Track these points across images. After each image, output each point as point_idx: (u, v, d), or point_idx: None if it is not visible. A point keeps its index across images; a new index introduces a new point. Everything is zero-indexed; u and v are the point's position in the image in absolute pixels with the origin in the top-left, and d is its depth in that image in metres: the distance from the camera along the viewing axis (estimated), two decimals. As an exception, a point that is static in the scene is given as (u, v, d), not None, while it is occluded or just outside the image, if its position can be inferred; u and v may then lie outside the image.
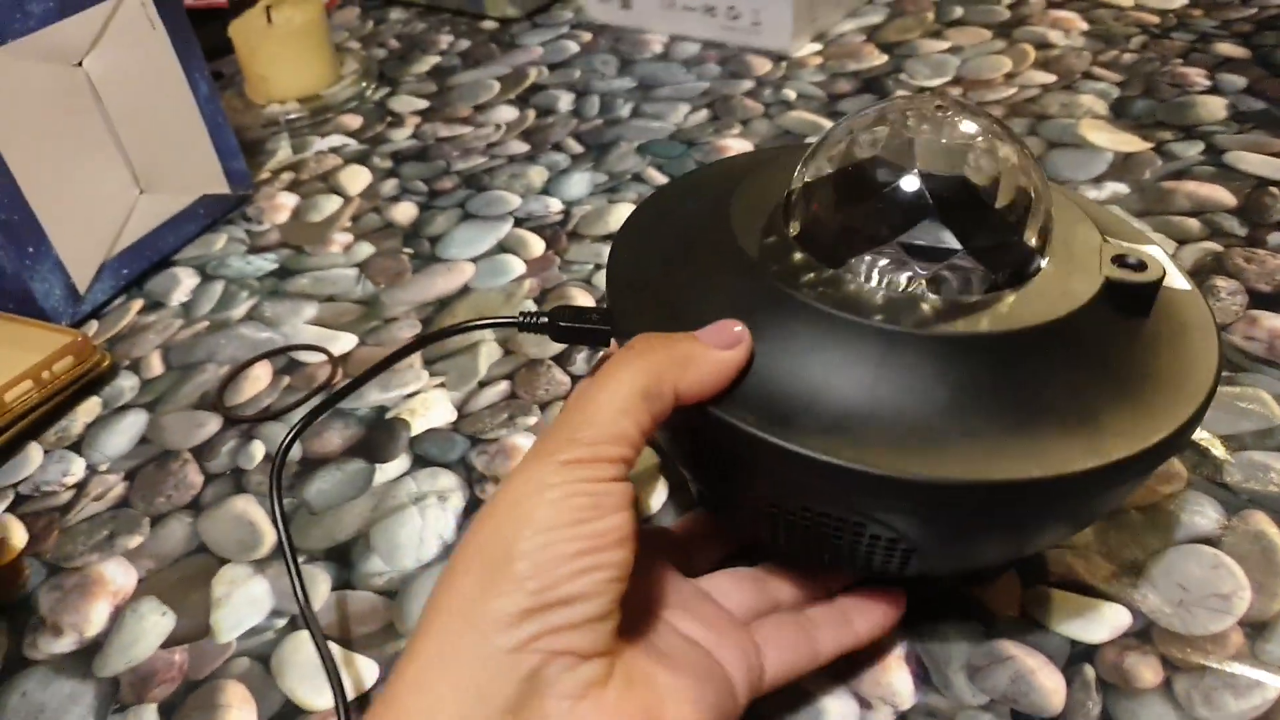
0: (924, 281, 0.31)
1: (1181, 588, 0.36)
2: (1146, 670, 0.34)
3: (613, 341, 0.37)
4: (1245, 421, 0.42)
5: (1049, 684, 0.34)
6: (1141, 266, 0.32)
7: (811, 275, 0.32)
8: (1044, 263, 0.32)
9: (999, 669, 0.35)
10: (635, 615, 0.31)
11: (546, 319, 0.37)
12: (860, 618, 0.34)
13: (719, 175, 0.40)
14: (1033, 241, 0.32)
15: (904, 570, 0.32)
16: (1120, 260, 0.32)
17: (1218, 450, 0.41)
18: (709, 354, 0.30)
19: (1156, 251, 0.35)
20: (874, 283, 0.31)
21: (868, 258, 0.32)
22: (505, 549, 0.27)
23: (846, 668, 0.35)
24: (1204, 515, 0.39)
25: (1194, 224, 0.54)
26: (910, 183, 0.31)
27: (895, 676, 0.35)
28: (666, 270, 0.35)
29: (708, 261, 0.34)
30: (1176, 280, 0.34)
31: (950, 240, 0.31)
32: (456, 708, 0.26)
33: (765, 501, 0.31)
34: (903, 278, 0.31)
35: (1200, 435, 0.42)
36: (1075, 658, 0.35)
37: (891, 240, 0.31)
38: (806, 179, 0.34)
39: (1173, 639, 0.35)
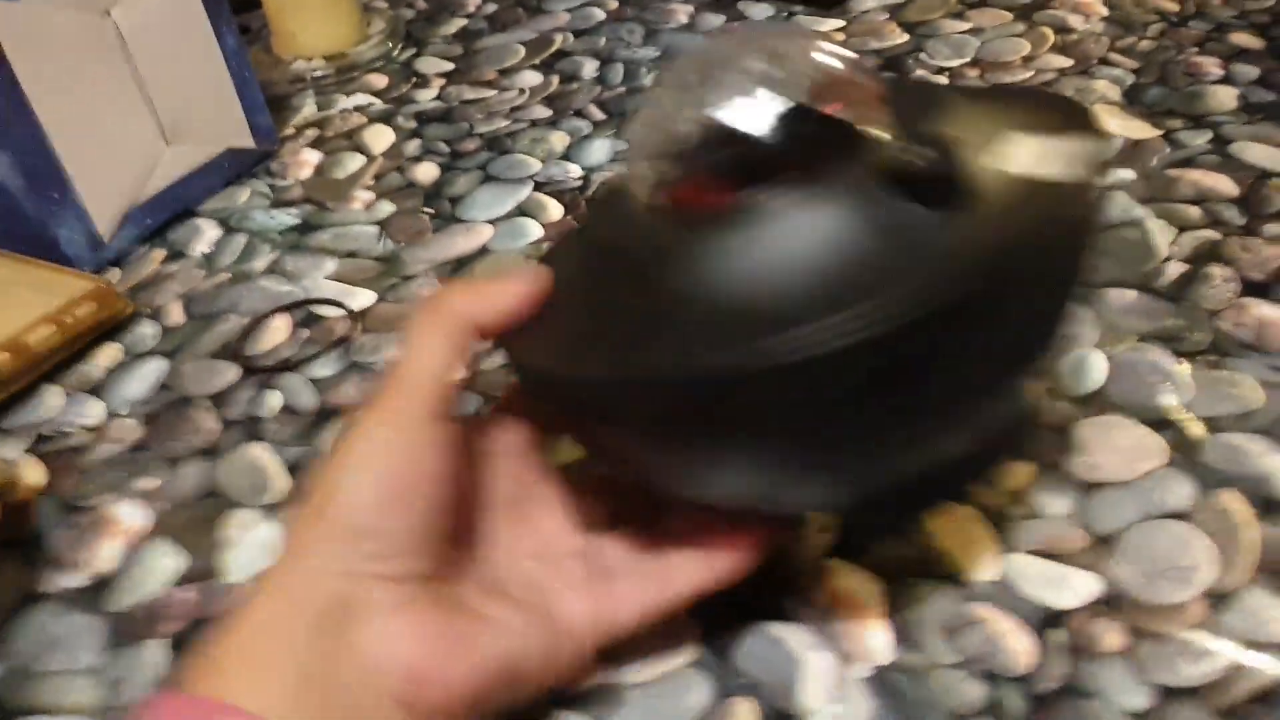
0: None
1: (1150, 559, 0.38)
2: (1111, 636, 0.35)
3: None
4: (1226, 404, 0.43)
5: (1019, 646, 0.35)
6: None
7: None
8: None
9: (972, 631, 0.36)
10: (480, 548, 0.35)
11: None
12: (718, 558, 0.35)
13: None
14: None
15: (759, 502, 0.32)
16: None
17: (1197, 430, 0.42)
18: (496, 285, 0.33)
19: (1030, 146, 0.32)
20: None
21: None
22: (326, 489, 0.31)
23: (828, 625, 0.37)
24: (1178, 492, 0.40)
25: (1195, 212, 0.55)
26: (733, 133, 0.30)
27: (874, 634, 0.36)
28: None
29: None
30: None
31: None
32: (273, 616, 0.30)
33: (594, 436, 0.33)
34: None
35: (1182, 415, 0.43)
36: (1046, 622, 0.36)
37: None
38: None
39: (1137, 607, 0.36)
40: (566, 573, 0.34)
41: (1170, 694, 0.34)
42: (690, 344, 0.28)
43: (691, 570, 0.34)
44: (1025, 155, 0.30)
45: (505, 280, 0.33)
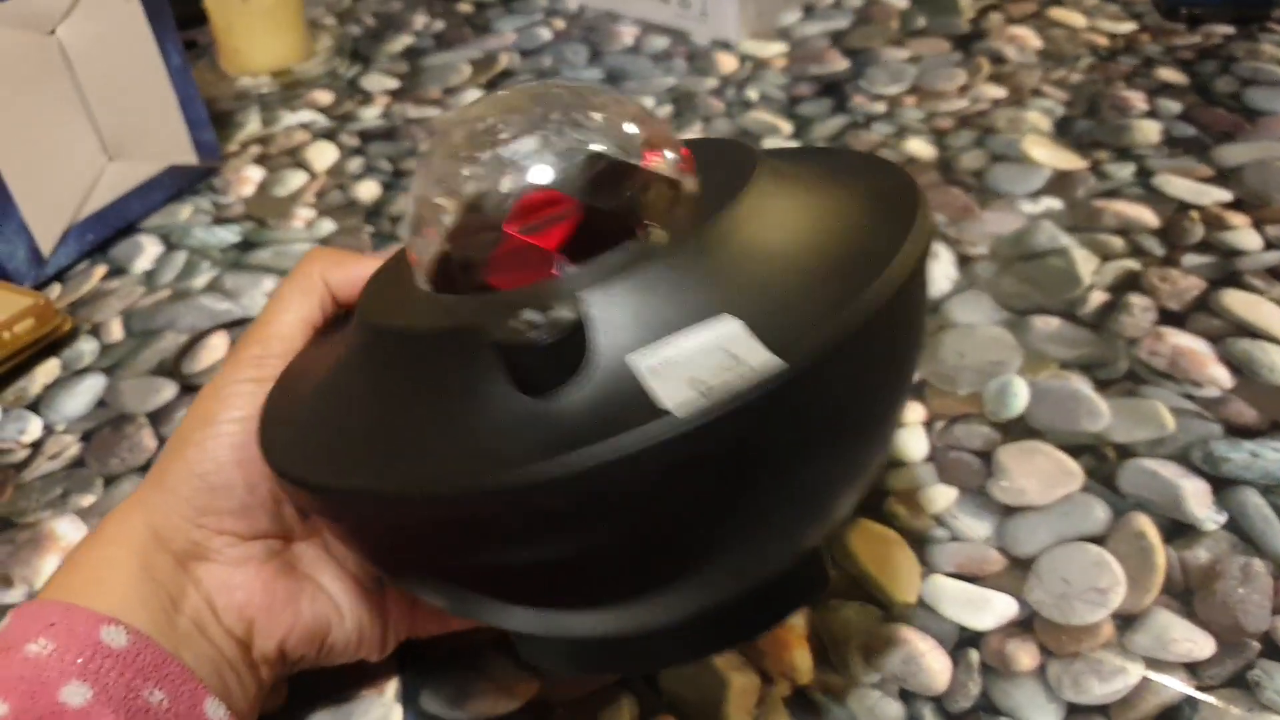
0: None
1: (1065, 581, 0.39)
2: (1025, 656, 0.37)
3: None
4: (1140, 430, 0.45)
5: (936, 666, 0.37)
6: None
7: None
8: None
9: (892, 651, 0.37)
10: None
11: None
12: None
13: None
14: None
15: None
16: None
17: (1111, 455, 0.44)
18: (357, 257, 0.35)
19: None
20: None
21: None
22: (181, 440, 0.32)
23: (751, 646, 0.38)
24: (1093, 516, 0.42)
25: (1118, 242, 0.57)
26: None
27: (796, 654, 0.37)
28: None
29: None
30: None
31: None
32: (129, 539, 0.31)
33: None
34: None
35: (1099, 441, 0.45)
36: (963, 643, 0.37)
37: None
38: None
39: (1051, 628, 0.38)
40: None
41: (1079, 711, 0.35)
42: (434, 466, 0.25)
43: None
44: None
45: (366, 256, 0.35)
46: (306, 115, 0.76)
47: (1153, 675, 0.36)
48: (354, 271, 0.34)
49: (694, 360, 0.24)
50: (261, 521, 0.33)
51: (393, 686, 0.37)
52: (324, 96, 0.78)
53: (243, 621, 0.32)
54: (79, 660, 0.28)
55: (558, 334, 0.24)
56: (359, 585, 0.35)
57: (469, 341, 0.26)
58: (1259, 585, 0.39)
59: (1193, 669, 0.36)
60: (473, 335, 0.26)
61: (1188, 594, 0.39)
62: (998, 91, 0.73)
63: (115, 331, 0.55)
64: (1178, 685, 0.35)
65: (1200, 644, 0.37)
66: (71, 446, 0.48)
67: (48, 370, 0.53)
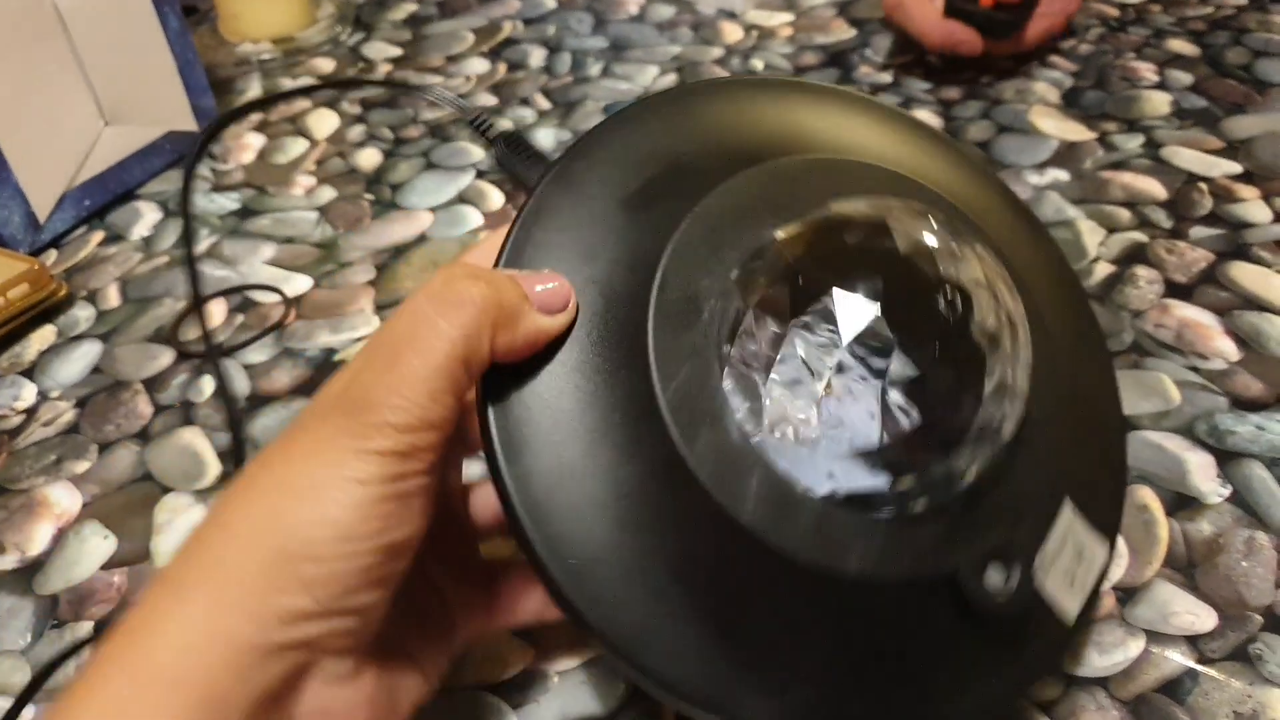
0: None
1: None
2: (1024, 628, 0.36)
3: (484, 237, 0.32)
4: (1145, 403, 0.45)
5: (934, 637, 0.36)
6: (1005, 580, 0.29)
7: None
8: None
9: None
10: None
11: (494, 135, 0.33)
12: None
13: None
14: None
15: None
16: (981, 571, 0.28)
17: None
18: (533, 319, 0.27)
19: None
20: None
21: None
22: (296, 542, 0.24)
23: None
24: (1095, 489, 0.41)
25: (1125, 214, 0.56)
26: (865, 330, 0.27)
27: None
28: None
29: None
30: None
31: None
32: (209, 688, 0.23)
33: None
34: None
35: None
36: (962, 614, 0.37)
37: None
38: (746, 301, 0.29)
39: (1051, 601, 0.37)
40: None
41: (1079, 684, 0.35)
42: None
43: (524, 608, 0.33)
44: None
45: (544, 311, 0.27)
46: (307, 82, 0.75)
47: (1154, 648, 0.35)
48: (530, 339, 0.27)
49: (1060, 558, 0.30)
50: (371, 634, 0.26)
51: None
52: (325, 64, 0.78)
53: None
54: None
55: (1020, 606, 0.28)
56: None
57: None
58: (1262, 558, 0.38)
59: (1194, 642, 0.36)
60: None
61: (1190, 567, 0.38)
62: (1004, 62, 0.72)
63: (112, 298, 0.55)
64: (1179, 658, 0.35)
65: (1202, 617, 0.36)
66: (66, 413, 0.48)
67: (43, 336, 0.53)
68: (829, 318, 0.27)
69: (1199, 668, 0.35)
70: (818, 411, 0.27)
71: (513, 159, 0.35)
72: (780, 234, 0.29)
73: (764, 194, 0.31)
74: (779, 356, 0.27)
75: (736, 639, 0.26)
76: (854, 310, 0.27)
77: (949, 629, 0.28)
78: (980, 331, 0.28)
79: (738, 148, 0.32)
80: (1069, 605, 0.30)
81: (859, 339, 0.27)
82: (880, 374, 0.27)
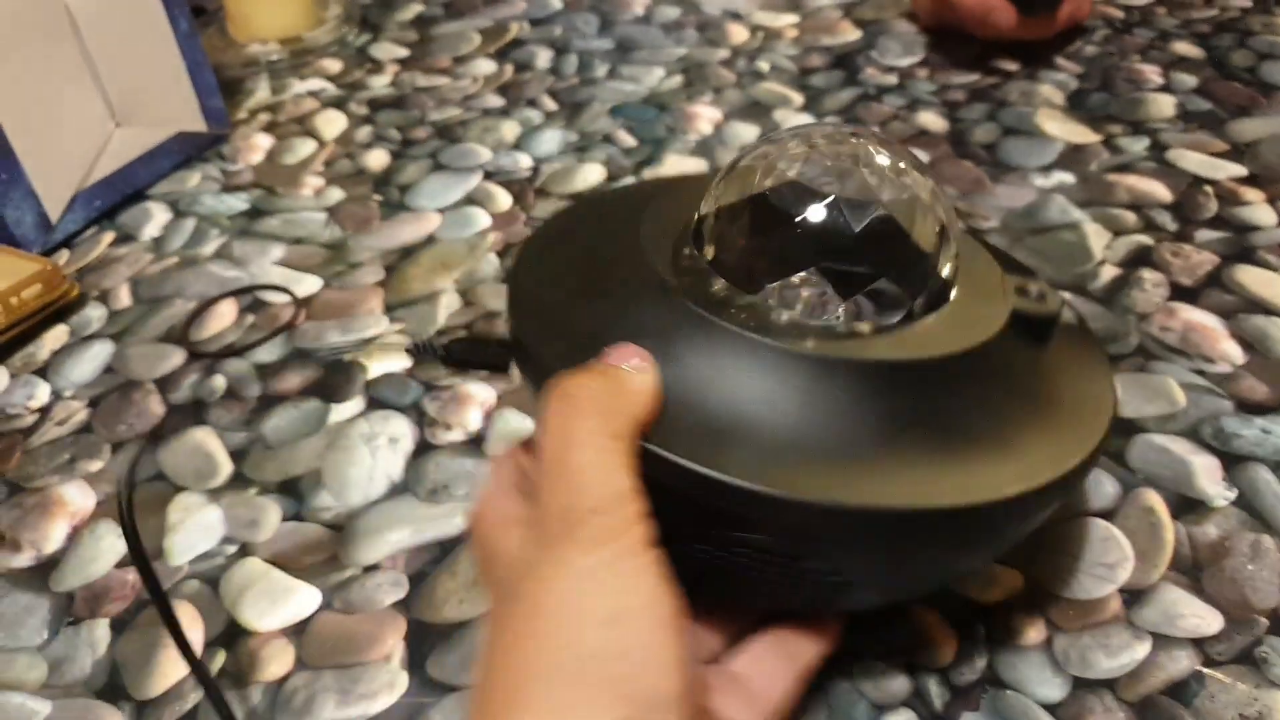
0: (842, 309, 0.31)
1: (1073, 556, 0.39)
2: (1031, 629, 0.37)
3: (513, 369, 0.36)
4: (1150, 406, 0.45)
5: (942, 638, 0.37)
6: (1042, 297, 0.34)
7: (730, 300, 0.32)
8: (954, 294, 0.33)
9: (900, 624, 0.37)
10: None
11: (441, 349, 0.36)
12: (800, 646, 0.33)
13: (624, 199, 0.40)
14: (945, 273, 0.33)
15: (831, 605, 0.33)
16: (1023, 291, 0.34)
17: (1121, 431, 0.44)
18: (638, 378, 0.29)
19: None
20: (793, 310, 0.31)
21: (785, 284, 0.32)
22: (586, 649, 0.24)
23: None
24: (1102, 491, 0.41)
25: (1130, 217, 0.56)
26: (828, 209, 0.31)
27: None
28: (573, 294, 0.34)
29: (619, 286, 0.33)
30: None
31: (867, 268, 0.31)
32: None
33: (692, 539, 0.30)
34: (822, 304, 0.31)
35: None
36: (970, 616, 0.37)
37: (809, 267, 0.31)
38: (720, 203, 0.34)
39: (1058, 602, 0.38)
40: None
41: (1085, 685, 0.35)
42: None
43: (778, 666, 0.32)
44: None
45: (637, 373, 0.29)
46: (315, 83, 0.75)
47: (1160, 650, 0.36)
48: (649, 398, 0.29)
49: None
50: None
51: (399, 653, 0.37)
52: (333, 65, 0.78)
53: None
54: None
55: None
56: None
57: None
58: (1268, 562, 0.39)
59: (1200, 644, 0.36)
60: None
61: (1196, 570, 0.38)
62: (1011, 64, 0.72)
63: (123, 298, 0.55)
64: (1185, 661, 0.35)
65: (1208, 620, 0.37)
66: (79, 412, 0.48)
67: (56, 336, 0.53)
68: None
69: (1205, 670, 0.35)
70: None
71: (474, 353, 0.35)
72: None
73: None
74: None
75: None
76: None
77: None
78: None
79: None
80: None
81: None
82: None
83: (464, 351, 0.36)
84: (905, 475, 0.28)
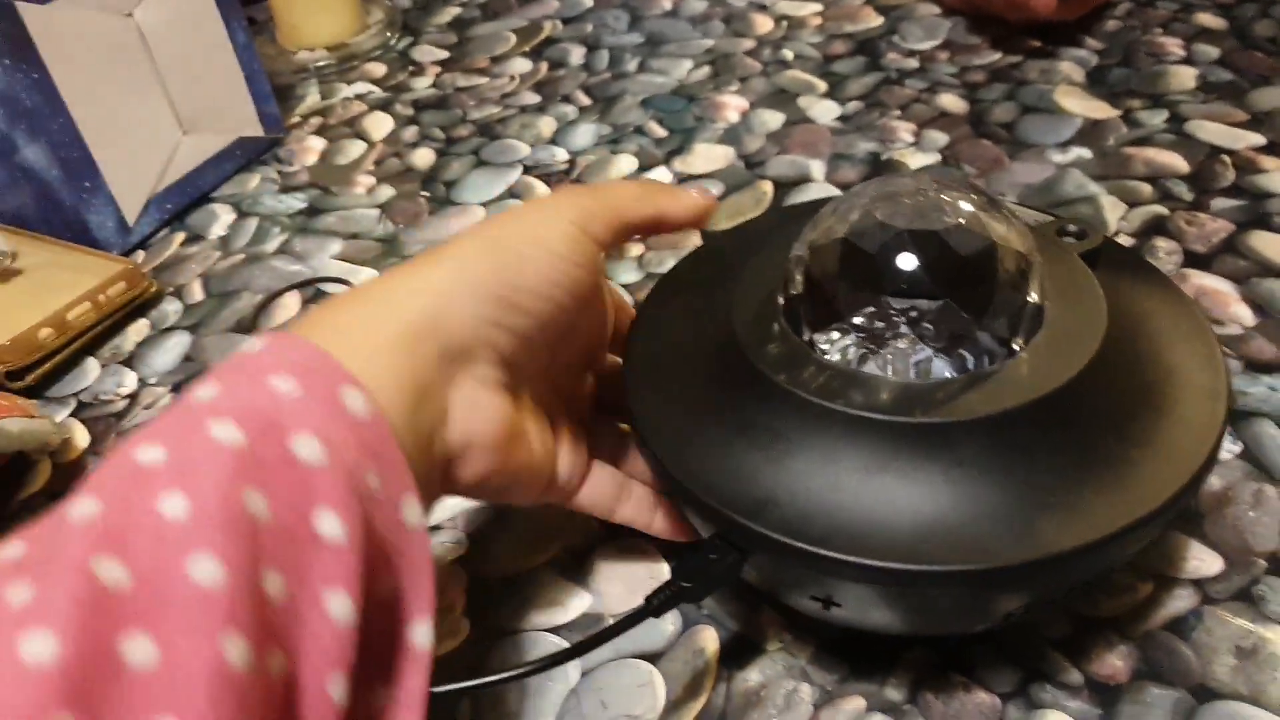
0: (886, 363, 0.33)
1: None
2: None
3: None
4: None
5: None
6: (1083, 234, 0.36)
7: (780, 350, 0.34)
8: (1019, 347, 0.33)
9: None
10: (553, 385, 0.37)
11: (670, 590, 0.33)
12: (662, 523, 0.39)
13: (751, 235, 0.42)
14: (999, 329, 0.33)
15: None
16: (1062, 230, 0.37)
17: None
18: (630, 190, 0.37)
19: None
20: (842, 362, 0.33)
21: (836, 335, 0.34)
22: (497, 244, 0.32)
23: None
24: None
25: (1146, 188, 0.58)
26: (881, 264, 0.33)
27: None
28: (677, 340, 0.37)
29: (704, 330, 0.37)
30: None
31: (909, 325, 0.33)
32: (391, 337, 0.29)
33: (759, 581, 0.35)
34: (863, 357, 0.33)
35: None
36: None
37: (863, 320, 0.33)
38: (797, 252, 0.36)
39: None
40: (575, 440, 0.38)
41: (1090, 624, 0.37)
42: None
43: (639, 511, 0.39)
44: None
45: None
46: (362, 87, 0.79)
47: (1162, 591, 0.38)
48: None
49: None
50: (536, 359, 0.34)
51: (460, 603, 0.41)
52: (377, 68, 0.82)
53: (464, 445, 0.31)
54: (318, 414, 0.26)
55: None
56: (573, 439, 0.37)
57: None
58: (1269, 508, 0.41)
59: (1200, 585, 0.38)
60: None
61: (1198, 517, 0.41)
62: (1032, 42, 0.74)
63: (196, 293, 0.60)
64: (1185, 599, 0.38)
65: (1208, 562, 0.39)
66: (164, 397, 0.53)
67: (138, 329, 0.57)
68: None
69: (1204, 607, 0.38)
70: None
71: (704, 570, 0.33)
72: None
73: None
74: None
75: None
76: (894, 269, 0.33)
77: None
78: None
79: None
80: None
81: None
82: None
83: (696, 575, 0.33)
84: (978, 534, 0.29)
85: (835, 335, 0.34)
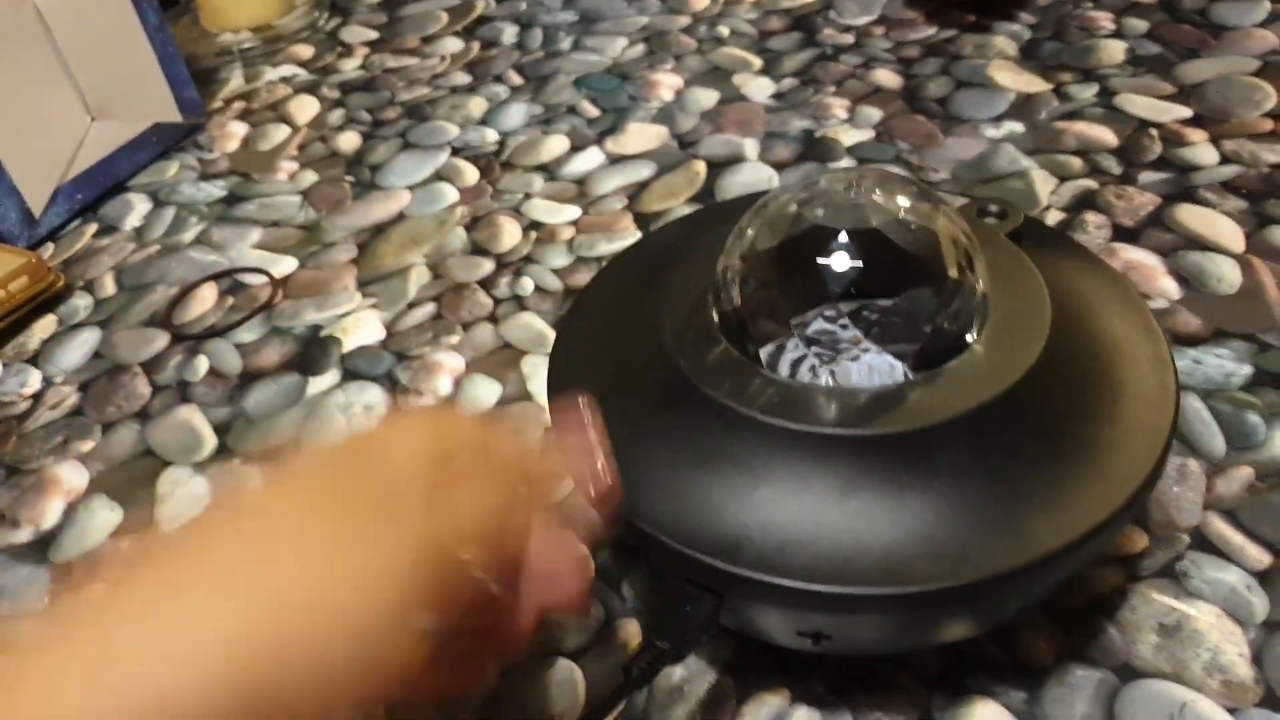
0: (839, 373, 0.31)
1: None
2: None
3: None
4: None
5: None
6: (1004, 214, 0.35)
7: (725, 369, 0.32)
8: (972, 339, 0.32)
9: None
10: None
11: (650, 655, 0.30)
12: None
13: (673, 239, 0.40)
14: (953, 323, 0.32)
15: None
16: (982, 211, 0.35)
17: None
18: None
19: None
20: (789, 376, 0.31)
21: (780, 347, 0.32)
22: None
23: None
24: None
25: (1077, 162, 0.58)
26: (822, 270, 0.31)
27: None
28: (601, 362, 0.35)
29: (633, 353, 0.34)
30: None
31: (858, 331, 0.31)
32: None
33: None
34: (814, 369, 0.31)
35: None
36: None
37: (806, 329, 0.31)
38: (725, 262, 0.34)
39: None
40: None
41: (1016, 604, 0.37)
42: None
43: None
44: None
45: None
46: (287, 69, 0.77)
47: (1088, 569, 0.38)
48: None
49: None
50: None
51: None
52: (304, 50, 0.80)
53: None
54: None
55: None
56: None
57: None
58: (1193, 483, 0.41)
59: (1126, 562, 0.38)
60: None
61: (1125, 494, 0.40)
62: (967, 17, 0.73)
63: (108, 286, 0.58)
64: (1111, 578, 0.38)
65: (1134, 539, 0.39)
66: (70, 397, 0.51)
67: (44, 326, 0.55)
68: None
69: (1129, 585, 0.37)
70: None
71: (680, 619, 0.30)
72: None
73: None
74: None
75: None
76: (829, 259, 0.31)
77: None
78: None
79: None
80: None
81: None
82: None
83: (675, 632, 0.30)
84: (918, 553, 0.28)
85: (783, 348, 0.32)
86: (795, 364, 0.32)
